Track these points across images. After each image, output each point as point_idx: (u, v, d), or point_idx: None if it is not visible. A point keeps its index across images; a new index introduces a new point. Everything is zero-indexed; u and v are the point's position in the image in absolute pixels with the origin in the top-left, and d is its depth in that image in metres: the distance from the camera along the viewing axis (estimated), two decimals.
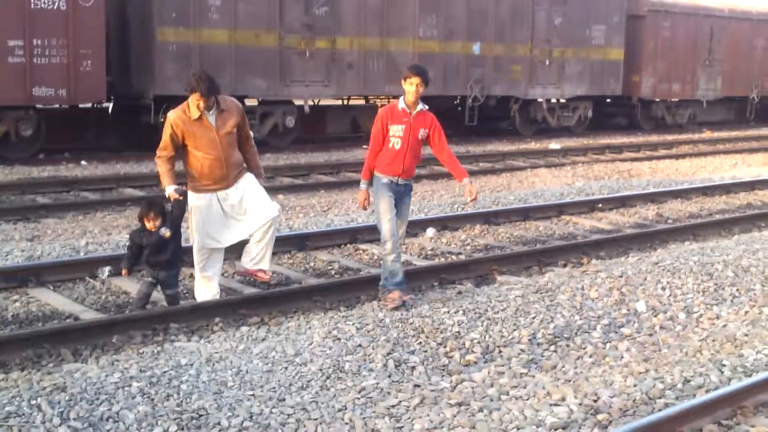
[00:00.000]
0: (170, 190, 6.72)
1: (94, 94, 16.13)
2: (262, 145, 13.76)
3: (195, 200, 6.81)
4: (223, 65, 16.94)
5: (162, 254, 6.74)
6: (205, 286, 7.04)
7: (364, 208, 7.07)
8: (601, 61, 23.74)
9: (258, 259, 6.96)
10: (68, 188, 12.95)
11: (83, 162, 15.67)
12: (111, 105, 17.89)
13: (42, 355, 5.96)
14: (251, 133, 7.09)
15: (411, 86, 6.68)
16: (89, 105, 17.28)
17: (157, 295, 7.05)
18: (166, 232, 6.70)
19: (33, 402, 4.97)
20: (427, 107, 6.90)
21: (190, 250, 7.19)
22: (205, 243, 6.87)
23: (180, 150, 6.74)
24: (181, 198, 6.73)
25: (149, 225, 6.67)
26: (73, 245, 8.80)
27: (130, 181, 13.67)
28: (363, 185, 6.93)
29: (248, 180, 6.90)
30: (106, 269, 7.85)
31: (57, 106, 16.39)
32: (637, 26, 24.52)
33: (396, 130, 6.72)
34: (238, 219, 6.86)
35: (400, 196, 6.90)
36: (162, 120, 16.85)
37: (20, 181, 13.12)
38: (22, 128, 15.30)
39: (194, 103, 6.51)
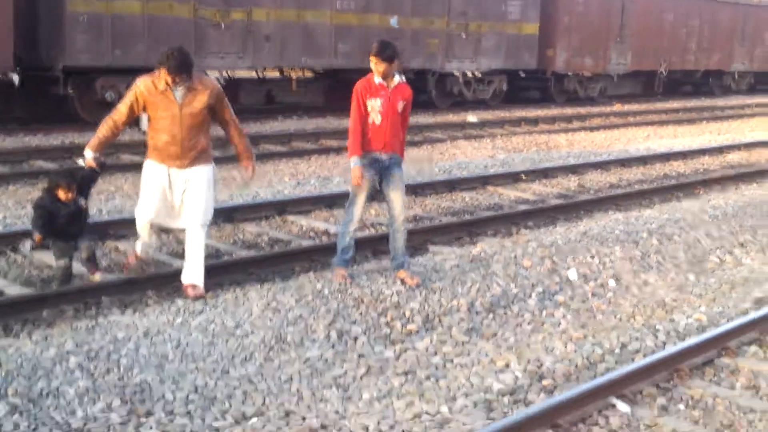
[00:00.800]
0: (89, 155, 6.48)
1: (1, 65, 15.49)
2: None
3: (147, 169, 6.50)
4: (136, 37, 16.44)
5: (77, 224, 6.54)
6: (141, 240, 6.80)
7: (359, 185, 6.66)
8: (516, 36, 23.90)
9: (188, 271, 6.56)
10: None
11: None
12: (17, 77, 17.24)
13: None
14: (234, 118, 6.59)
15: (372, 64, 6.56)
16: None
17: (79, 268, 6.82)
18: (84, 203, 6.56)
19: None
20: (404, 79, 6.74)
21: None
22: (144, 216, 6.56)
23: (132, 121, 6.53)
24: (95, 168, 6.52)
25: (64, 196, 6.41)
26: None
27: (41, 154, 13.20)
28: (356, 162, 6.57)
29: (201, 175, 6.43)
30: (28, 243, 7.55)
31: None
32: (551, 1, 24.79)
33: (375, 104, 6.55)
34: (173, 206, 6.49)
35: (387, 170, 6.69)
36: (71, 92, 16.51)
37: None
38: None
39: (162, 76, 6.16)
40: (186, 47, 6.57)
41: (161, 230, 6.86)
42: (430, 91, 22.15)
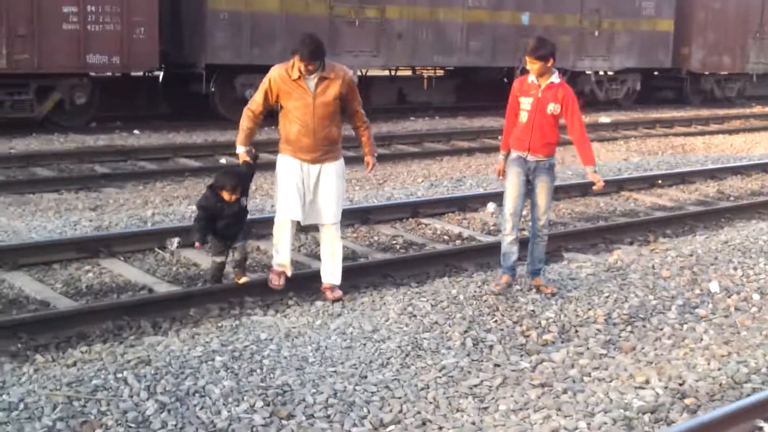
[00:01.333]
0: (240, 150, 6.56)
1: (147, 62, 16.11)
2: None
3: (281, 163, 6.50)
4: (274, 34, 16.88)
5: (238, 225, 6.65)
6: (279, 258, 6.63)
7: (501, 179, 6.80)
8: (650, 33, 23.36)
9: (326, 272, 6.64)
10: (125, 158, 13.01)
11: (136, 131, 15.72)
12: (161, 74, 17.91)
13: (122, 327, 6.00)
14: (362, 110, 6.59)
15: (528, 64, 6.37)
16: (140, 73, 17.32)
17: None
18: (245, 202, 6.64)
19: (119, 375, 5.01)
20: (559, 79, 6.46)
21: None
22: (285, 213, 6.45)
23: (271, 110, 6.53)
24: (250, 162, 6.59)
25: (228, 197, 6.45)
26: (140, 216, 8.84)
27: (185, 151, 13.71)
28: (500, 156, 6.73)
29: (335, 171, 6.48)
30: (175, 240, 7.87)
31: (110, 74, 16.43)
32: None
33: (525, 103, 6.43)
34: (306, 202, 6.45)
35: (533, 172, 6.50)
36: (213, 89, 17.03)
37: (78, 150, 13.19)
38: (77, 96, 15.32)
39: (296, 64, 6.17)
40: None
41: (297, 229, 6.93)
42: None
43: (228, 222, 6.53)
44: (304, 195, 6.42)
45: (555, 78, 6.40)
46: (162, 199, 10.41)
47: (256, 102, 6.41)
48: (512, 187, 6.52)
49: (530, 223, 6.85)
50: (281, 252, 6.59)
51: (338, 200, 6.54)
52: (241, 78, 16.80)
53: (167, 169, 12.30)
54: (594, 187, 6.81)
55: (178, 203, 10.19)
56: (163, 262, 7.60)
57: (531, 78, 6.41)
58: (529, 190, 6.58)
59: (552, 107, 6.36)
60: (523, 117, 6.44)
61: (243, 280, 6.72)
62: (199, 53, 16.54)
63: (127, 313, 6.06)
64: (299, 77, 6.20)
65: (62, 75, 14.99)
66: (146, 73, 17.49)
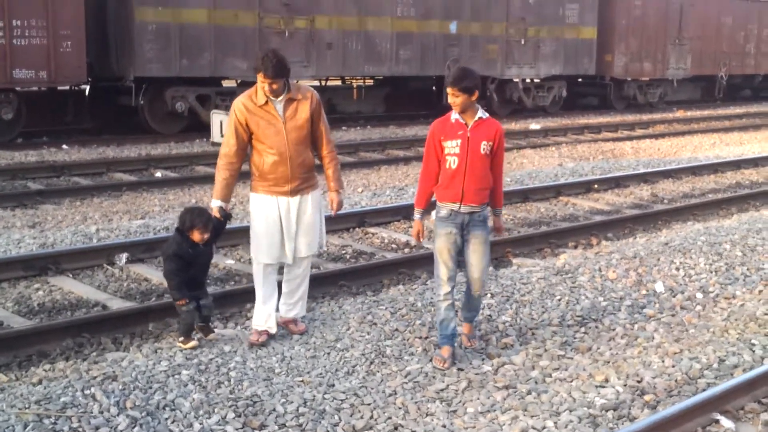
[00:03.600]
0: (216, 204, 5.77)
1: (75, 75, 15.88)
2: None
3: (254, 203, 5.87)
4: (203, 46, 16.77)
5: (206, 271, 6.00)
6: (263, 315, 5.99)
7: (419, 242, 6.04)
8: (574, 40, 23.88)
9: (290, 305, 6.11)
10: (58, 173, 12.80)
11: (64, 146, 15.48)
12: (88, 87, 17.66)
13: (83, 344, 5.94)
14: (329, 132, 5.97)
15: (450, 97, 5.52)
16: (67, 87, 17.03)
17: None
18: (213, 249, 5.96)
19: (87, 392, 4.97)
20: (486, 114, 5.63)
21: None
22: (260, 257, 5.88)
23: (246, 148, 5.82)
24: (221, 219, 5.82)
25: (199, 237, 5.62)
26: (84, 232, 8.72)
27: (119, 165, 13.54)
28: (416, 215, 5.78)
29: (313, 202, 5.91)
30: (123, 256, 7.80)
31: (36, 88, 16.12)
32: (608, 4, 24.65)
33: (451, 147, 5.51)
34: (285, 240, 5.88)
35: (466, 227, 5.62)
36: (142, 102, 16.84)
37: (9, 167, 12.93)
38: (3, 111, 15.03)
39: (260, 85, 5.63)
40: (251, 56, 6.02)
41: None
42: (490, 98, 22.20)
43: (199, 269, 5.81)
44: (284, 233, 5.84)
45: (482, 113, 5.56)
46: (101, 215, 10.27)
47: (227, 144, 5.74)
48: (444, 250, 5.61)
49: (466, 283, 5.91)
50: (266, 307, 5.96)
51: (317, 232, 5.99)
52: (171, 90, 16.68)
53: (103, 184, 12.14)
54: (498, 233, 6.07)
55: (118, 218, 10.07)
56: (113, 278, 7.52)
57: (454, 117, 5.53)
58: (463, 247, 5.68)
59: (485, 146, 5.51)
60: (453, 162, 5.50)
61: (211, 336, 5.91)
62: (128, 66, 16.37)
63: (86, 329, 6.01)
64: (266, 102, 5.67)
65: None
66: (73, 87, 17.21)
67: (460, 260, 5.75)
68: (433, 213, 5.84)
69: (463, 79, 5.43)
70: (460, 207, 5.55)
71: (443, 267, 5.64)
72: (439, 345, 5.78)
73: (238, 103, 5.74)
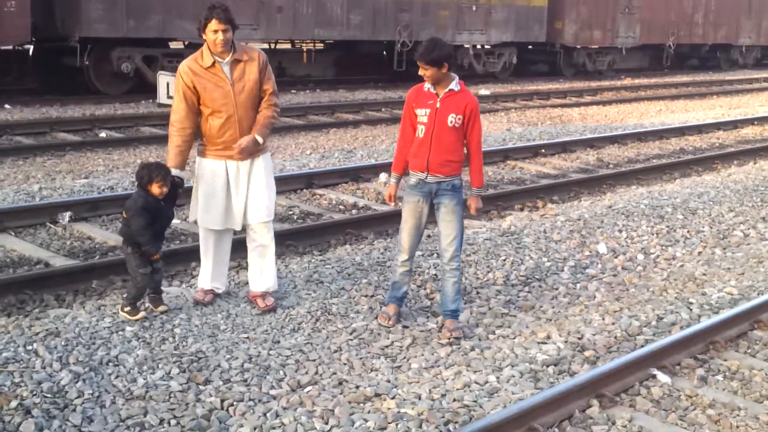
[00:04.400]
0: (173, 173, 5.53)
1: (18, 35, 15.55)
2: None
3: (202, 168, 5.67)
4: (152, 7, 16.49)
5: (164, 232, 5.76)
6: (209, 275, 5.91)
7: (390, 204, 6.00)
8: (525, 7, 23.93)
9: (257, 278, 5.87)
10: (0, 133, 12.54)
11: (6, 105, 15.20)
12: (32, 47, 17.31)
13: (25, 300, 5.88)
14: (276, 93, 5.74)
15: (420, 70, 5.38)
16: (10, 47, 16.67)
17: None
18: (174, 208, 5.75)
19: (29, 347, 4.94)
20: (459, 87, 5.44)
21: None
22: (206, 222, 5.73)
23: (197, 112, 5.58)
24: (176, 186, 5.58)
25: (158, 190, 5.39)
26: (26, 191, 8.61)
27: (63, 125, 13.32)
28: (392, 179, 5.78)
29: (264, 165, 5.72)
30: (67, 214, 7.70)
31: None
32: None
33: (421, 115, 5.45)
34: (235, 205, 5.70)
35: (435, 197, 5.58)
36: (87, 63, 16.55)
37: None
38: None
39: (211, 39, 5.42)
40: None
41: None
42: None
43: (163, 223, 5.62)
44: (232, 199, 5.67)
45: (455, 85, 5.42)
46: (45, 174, 10.12)
47: (177, 110, 5.55)
48: (409, 218, 5.62)
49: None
50: (213, 269, 5.87)
51: (270, 196, 5.78)
52: (117, 51, 16.41)
53: (46, 144, 11.94)
54: (471, 210, 5.89)
55: (62, 178, 9.94)
56: (56, 237, 7.43)
57: (427, 86, 5.47)
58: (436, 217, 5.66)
59: (453, 119, 5.39)
60: (420, 131, 5.46)
61: (161, 308, 5.65)
62: (73, 26, 16.04)
63: (28, 287, 5.94)
64: (212, 64, 5.48)
65: None
66: (16, 47, 16.85)
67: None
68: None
69: (431, 52, 5.31)
70: (426, 176, 5.52)
71: (405, 235, 5.66)
72: (386, 303, 5.84)
73: (184, 66, 5.56)
